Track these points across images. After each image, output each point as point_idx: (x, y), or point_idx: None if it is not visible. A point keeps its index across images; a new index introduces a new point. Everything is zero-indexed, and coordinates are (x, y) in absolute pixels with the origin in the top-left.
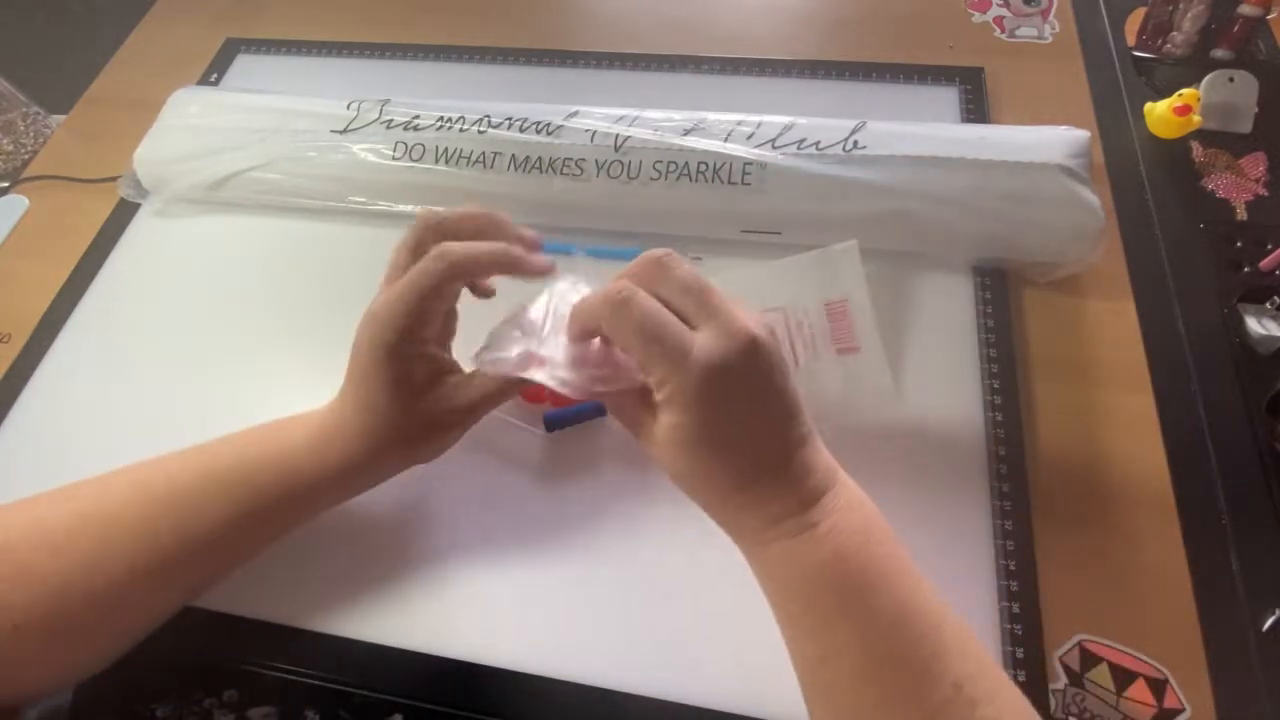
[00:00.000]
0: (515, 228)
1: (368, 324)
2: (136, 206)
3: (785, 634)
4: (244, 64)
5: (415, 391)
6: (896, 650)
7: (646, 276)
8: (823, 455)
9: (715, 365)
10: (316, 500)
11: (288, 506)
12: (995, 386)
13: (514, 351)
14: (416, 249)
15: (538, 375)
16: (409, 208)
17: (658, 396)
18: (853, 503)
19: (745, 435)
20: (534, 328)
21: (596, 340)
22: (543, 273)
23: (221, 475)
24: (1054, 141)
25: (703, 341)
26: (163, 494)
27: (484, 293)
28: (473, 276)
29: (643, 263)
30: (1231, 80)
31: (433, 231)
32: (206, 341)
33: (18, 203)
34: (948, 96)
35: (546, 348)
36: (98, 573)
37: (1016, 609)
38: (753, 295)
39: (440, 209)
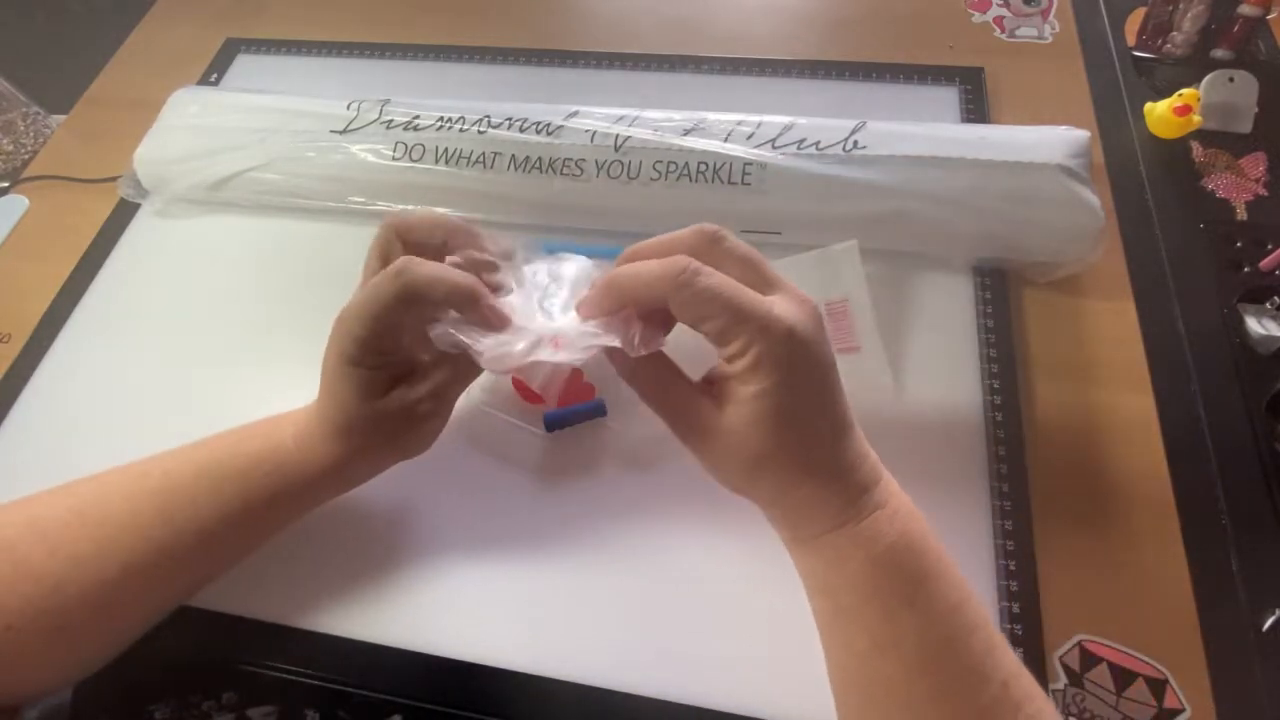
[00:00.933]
0: (485, 239)
1: (334, 330)
2: (136, 206)
3: (833, 628)
4: (244, 64)
5: (382, 392)
6: (954, 641)
7: (702, 251)
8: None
9: (798, 328)
10: (307, 496)
11: (280, 503)
12: (995, 386)
13: (518, 345)
14: (383, 255)
15: (559, 357)
16: (409, 208)
17: (738, 365)
18: (900, 488)
19: (823, 406)
20: (525, 313)
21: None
22: (500, 326)
23: (214, 472)
24: (1054, 141)
25: (781, 306)
26: (156, 491)
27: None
28: (429, 304)
29: (696, 236)
30: (1231, 80)
31: (399, 236)
32: (206, 341)
33: (18, 203)
34: (948, 96)
35: (558, 323)
36: (92, 571)
37: (1016, 609)
38: None
39: (408, 211)
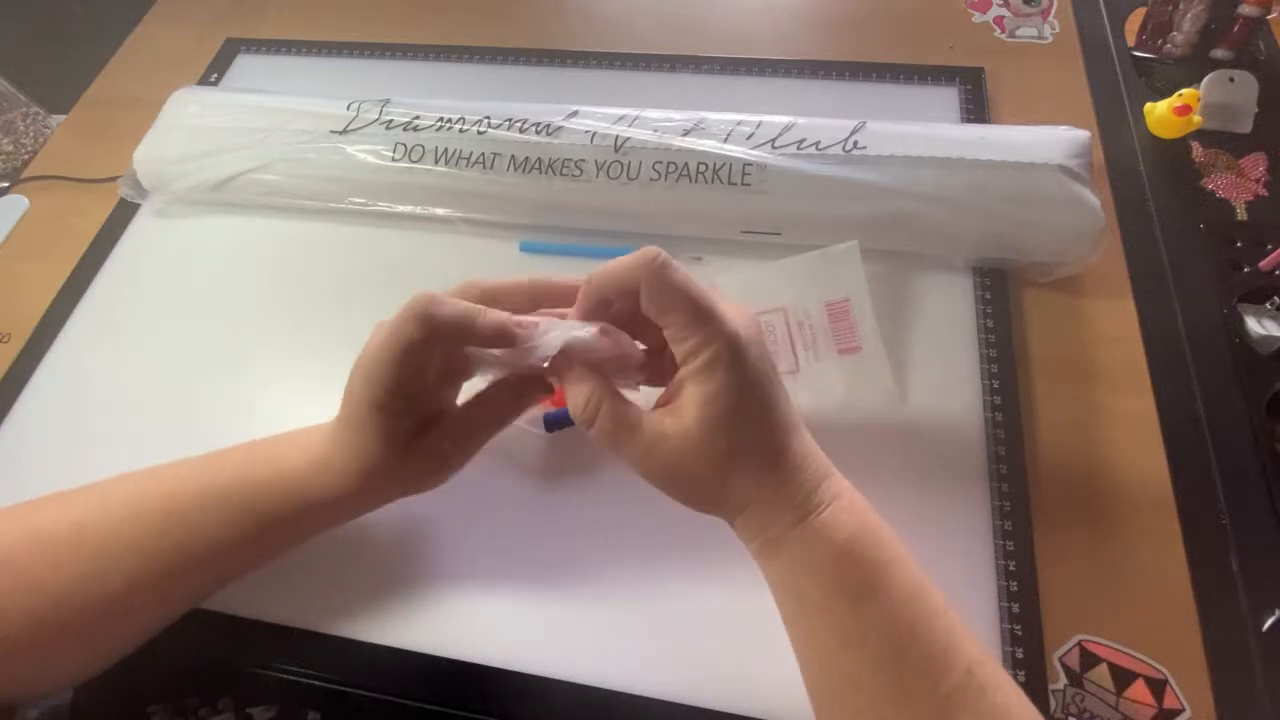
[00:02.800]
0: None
1: (356, 373)
2: (136, 206)
3: (800, 629)
4: (244, 64)
5: (407, 439)
6: (917, 629)
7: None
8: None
9: (743, 332)
10: (317, 523)
11: (288, 528)
12: (995, 386)
13: (550, 332)
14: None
15: (582, 333)
16: (408, 208)
17: (693, 364)
18: (849, 483)
19: (774, 402)
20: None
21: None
22: (540, 363)
23: (222, 495)
24: (1054, 142)
25: (728, 312)
26: (161, 511)
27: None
28: (460, 343)
29: (643, 257)
30: (1231, 80)
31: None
32: (206, 342)
33: (18, 203)
34: (948, 96)
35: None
36: (95, 587)
37: (1016, 609)
38: (753, 295)
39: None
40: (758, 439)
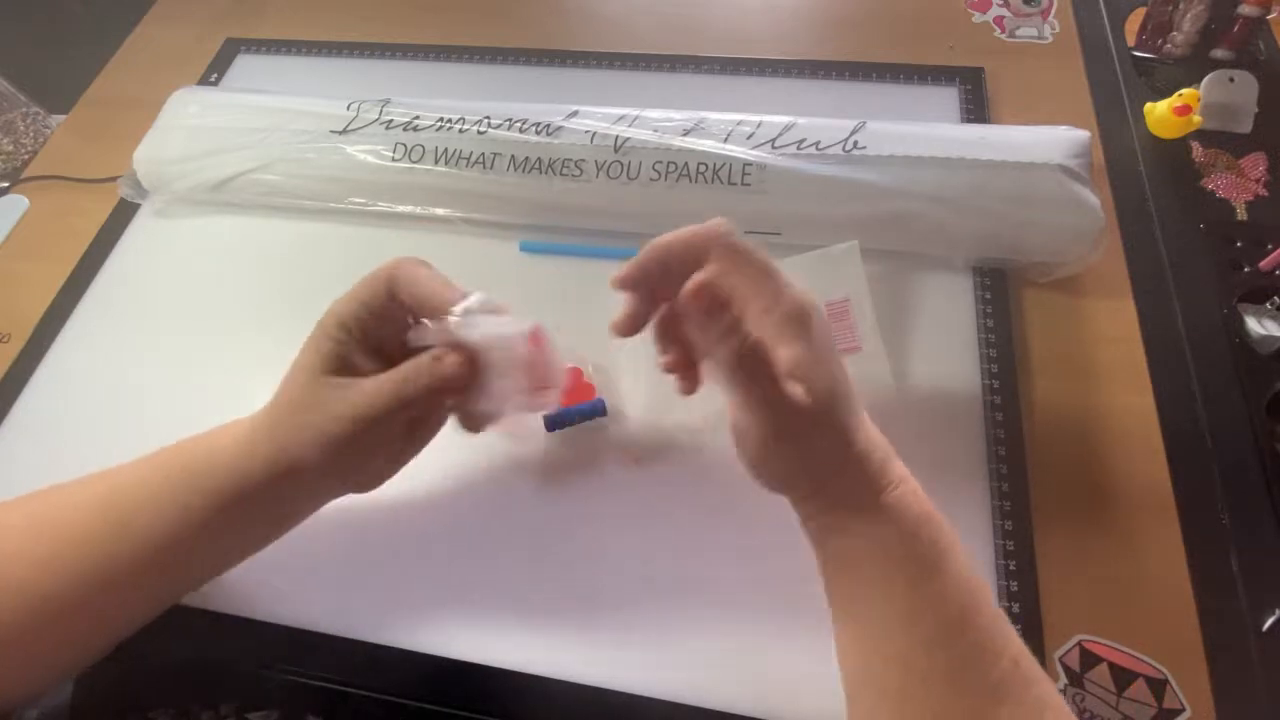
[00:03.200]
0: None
1: (305, 345)
2: (136, 206)
3: (853, 608)
4: (244, 64)
5: (336, 427)
6: (969, 616)
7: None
8: None
9: (810, 302)
10: (251, 509)
11: (226, 514)
12: (995, 386)
13: (479, 318)
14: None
15: (509, 330)
16: (408, 208)
17: (768, 320)
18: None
19: (844, 378)
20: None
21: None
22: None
23: (156, 483)
24: (1054, 142)
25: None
26: (103, 506)
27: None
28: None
29: (712, 228)
30: (1231, 80)
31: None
32: (206, 341)
33: (18, 203)
34: (948, 96)
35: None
36: (47, 581)
37: (1016, 609)
38: None
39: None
40: (843, 402)
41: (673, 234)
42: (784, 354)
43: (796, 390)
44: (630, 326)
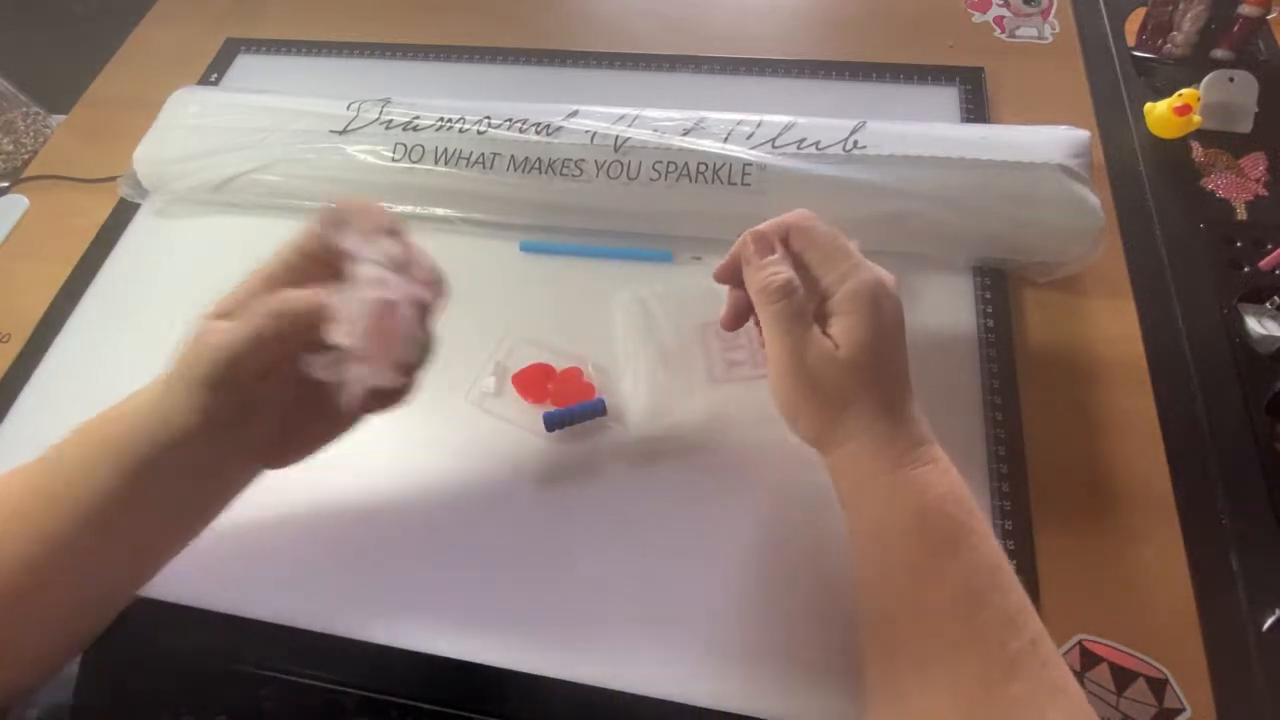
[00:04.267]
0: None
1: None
2: (136, 206)
3: (876, 569)
4: (244, 64)
5: (251, 376)
6: (988, 595)
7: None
8: None
9: (884, 279)
10: (176, 463)
11: (154, 474)
12: (995, 386)
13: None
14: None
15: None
16: (408, 208)
17: (837, 294)
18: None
19: (902, 353)
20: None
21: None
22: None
23: (83, 447)
24: (1054, 141)
25: (870, 263)
26: (36, 475)
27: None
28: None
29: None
30: (1231, 80)
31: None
32: None
33: (18, 203)
34: (948, 96)
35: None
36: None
37: None
38: None
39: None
40: (886, 379)
41: (757, 227)
42: (840, 323)
43: (826, 343)
44: (735, 319)
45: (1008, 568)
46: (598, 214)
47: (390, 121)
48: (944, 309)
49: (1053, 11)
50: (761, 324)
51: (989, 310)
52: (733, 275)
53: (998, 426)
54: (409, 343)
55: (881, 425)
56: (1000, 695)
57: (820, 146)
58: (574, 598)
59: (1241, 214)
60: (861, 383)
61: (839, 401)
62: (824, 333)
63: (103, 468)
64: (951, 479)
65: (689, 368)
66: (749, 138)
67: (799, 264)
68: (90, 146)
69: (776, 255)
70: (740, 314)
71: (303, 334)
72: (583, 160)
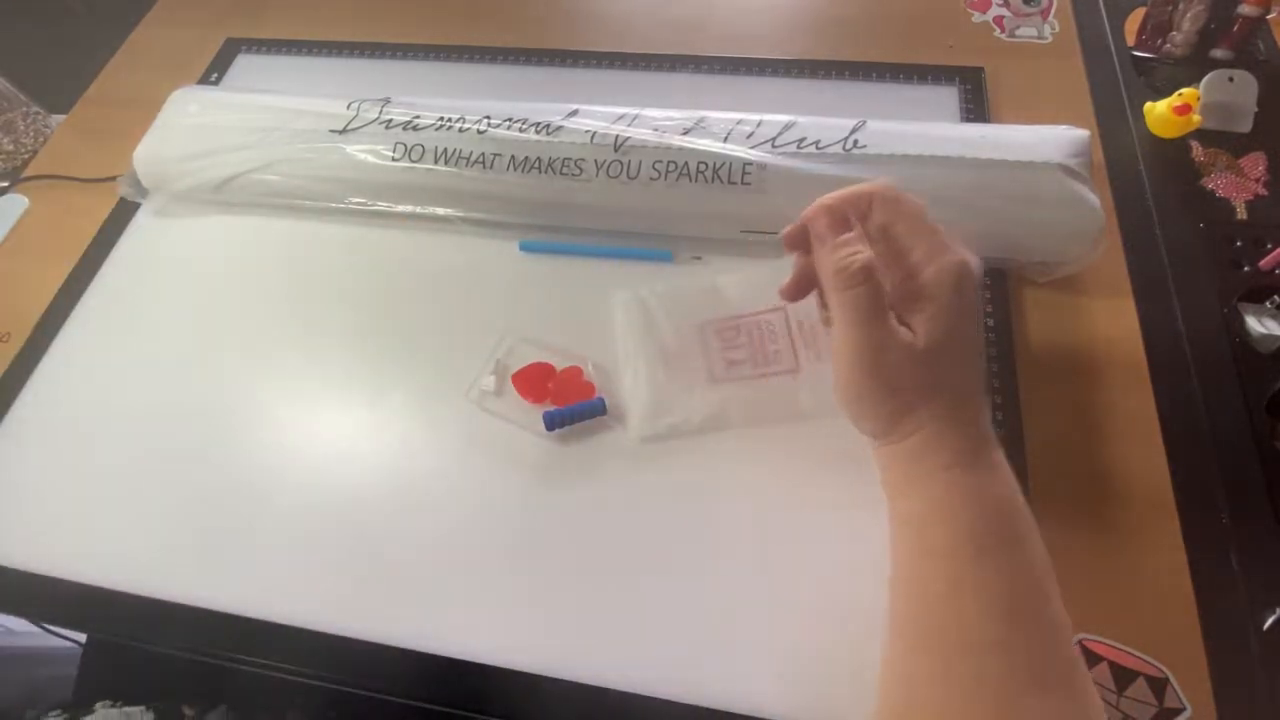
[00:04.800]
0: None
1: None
2: (136, 206)
3: (913, 568)
4: (244, 64)
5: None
6: (1036, 600)
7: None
8: None
9: (969, 261)
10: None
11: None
12: (995, 385)
13: None
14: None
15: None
16: (408, 208)
17: (923, 275)
18: None
19: (979, 350)
20: None
21: None
22: None
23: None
24: (1054, 141)
25: (957, 244)
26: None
27: None
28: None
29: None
30: (1231, 80)
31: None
32: (206, 340)
33: (18, 202)
34: (948, 96)
35: None
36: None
37: None
38: (753, 295)
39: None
40: (962, 373)
41: (835, 193)
42: (924, 309)
43: (904, 334)
44: (796, 289)
45: (1053, 586)
46: (598, 213)
47: (390, 121)
48: None
49: (1052, 11)
50: (831, 308)
51: (989, 310)
52: (801, 240)
53: (998, 425)
54: None
55: (949, 421)
56: (1020, 707)
57: (820, 146)
58: (573, 596)
59: (1241, 213)
60: (938, 378)
61: (911, 396)
62: (900, 319)
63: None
64: (1010, 485)
65: (689, 367)
66: (749, 137)
67: (879, 237)
68: (90, 146)
69: (853, 234)
70: (804, 285)
71: None
72: (583, 160)
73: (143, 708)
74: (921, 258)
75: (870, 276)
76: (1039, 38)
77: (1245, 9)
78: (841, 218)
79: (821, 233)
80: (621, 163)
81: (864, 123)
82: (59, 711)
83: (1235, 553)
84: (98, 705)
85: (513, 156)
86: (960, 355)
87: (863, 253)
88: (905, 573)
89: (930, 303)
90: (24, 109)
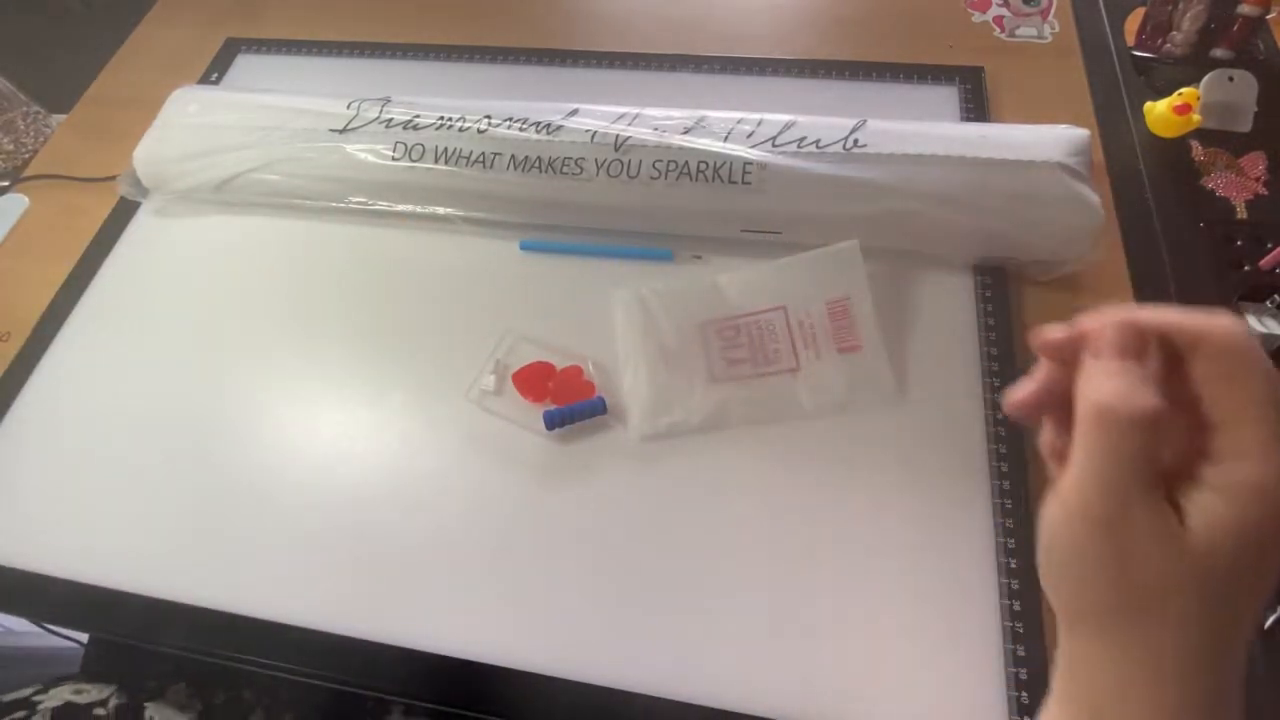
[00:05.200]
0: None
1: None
2: (136, 205)
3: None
4: (244, 64)
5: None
6: None
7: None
8: None
9: None
10: None
11: None
12: (995, 385)
13: None
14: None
15: None
16: (408, 208)
17: (1224, 463)
18: None
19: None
20: None
21: None
22: None
23: None
24: (1054, 140)
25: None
26: None
27: None
28: None
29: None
30: (1231, 80)
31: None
32: (205, 340)
33: (18, 202)
34: (948, 96)
35: None
36: None
37: (1017, 607)
38: (753, 294)
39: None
40: (1236, 600)
41: (1158, 311)
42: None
43: (1169, 518)
44: (1036, 405)
45: None
46: (598, 212)
47: (390, 120)
48: (944, 307)
49: (1052, 11)
50: (1076, 446)
51: (989, 309)
52: (1064, 350)
53: (998, 424)
54: None
55: (1189, 647)
56: None
57: (820, 145)
58: (573, 596)
59: (1241, 213)
60: (1199, 592)
61: (1145, 595)
62: (1169, 497)
63: None
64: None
65: (689, 366)
66: (749, 136)
67: (1183, 392)
68: (90, 146)
69: (1144, 371)
70: (1046, 401)
71: None
72: (583, 159)
73: (100, 685)
74: (1232, 446)
75: (1148, 430)
76: (1039, 37)
77: (1245, 9)
78: (1142, 344)
79: (1102, 349)
80: (622, 162)
81: (864, 122)
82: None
83: None
84: (53, 688)
85: (513, 156)
86: (1243, 580)
87: (1148, 400)
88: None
89: (1223, 502)
90: (24, 109)
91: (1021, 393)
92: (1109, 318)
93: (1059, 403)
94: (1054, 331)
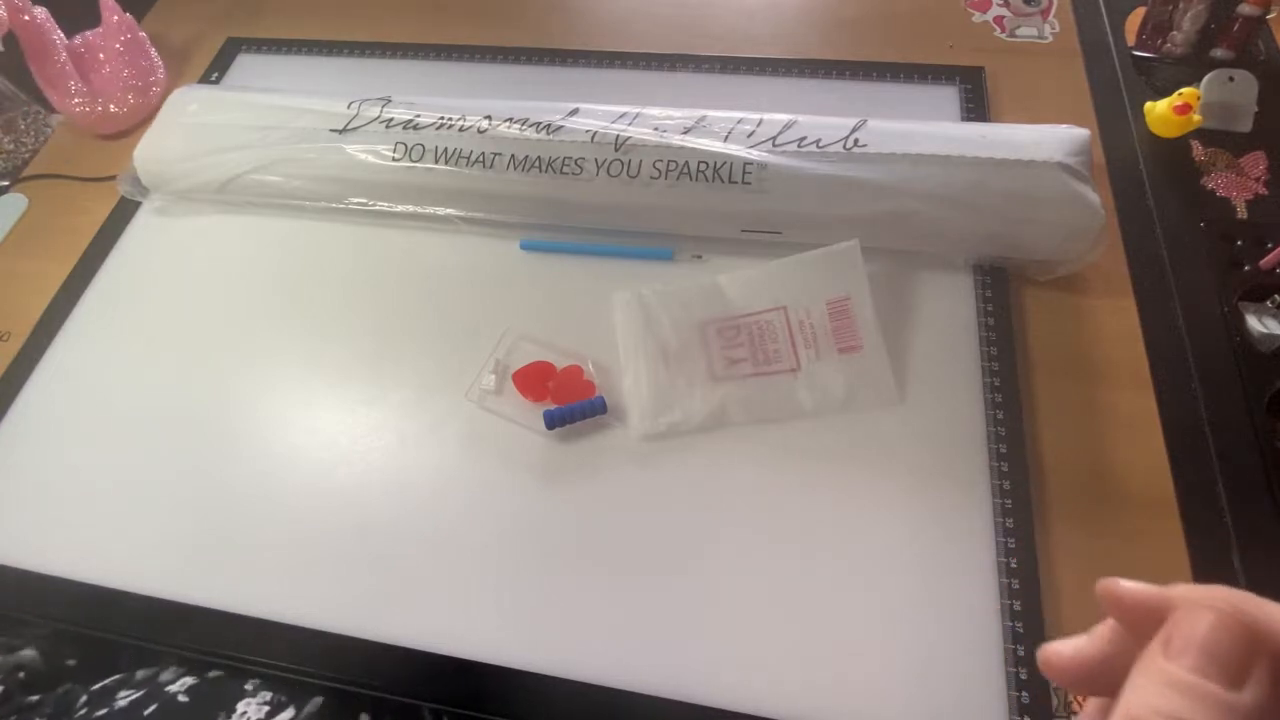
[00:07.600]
0: None
1: None
2: (136, 205)
3: None
4: (245, 64)
5: None
6: None
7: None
8: None
9: None
10: None
11: None
12: (996, 385)
13: None
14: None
15: None
16: (409, 208)
17: None
18: None
19: None
20: None
21: None
22: None
23: None
24: (1054, 140)
25: None
26: None
27: None
28: None
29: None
30: (1231, 79)
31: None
32: (205, 339)
33: (18, 201)
34: (948, 95)
35: None
36: None
37: (1017, 607)
38: (754, 294)
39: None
40: None
41: (1231, 599)
42: None
43: None
44: (1078, 673)
45: None
46: (598, 212)
47: (391, 120)
48: (944, 307)
49: (1053, 11)
50: None
51: (989, 309)
52: (1133, 610)
53: (998, 425)
54: None
55: None
56: None
57: (821, 145)
58: (574, 595)
59: (1242, 213)
60: None
61: None
62: None
63: None
64: None
65: (689, 366)
66: (749, 136)
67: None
68: (90, 146)
69: (1232, 699)
70: (1099, 676)
71: None
72: (583, 159)
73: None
74: None
75: None
76: (1039, 37)
77: (1245, 9)
78: (1247, 654)
79: (1183, 649)
80: (622, 162)
81: (864, 122)
82: None
83: (1236, 551)
84: None
85: (513, 156)
86: None
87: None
88: None
89: None
90: (24, 108)
91: (1065, 655)
92: (1214, 596)
93: (1117, 680)
94: (1132, 588)
